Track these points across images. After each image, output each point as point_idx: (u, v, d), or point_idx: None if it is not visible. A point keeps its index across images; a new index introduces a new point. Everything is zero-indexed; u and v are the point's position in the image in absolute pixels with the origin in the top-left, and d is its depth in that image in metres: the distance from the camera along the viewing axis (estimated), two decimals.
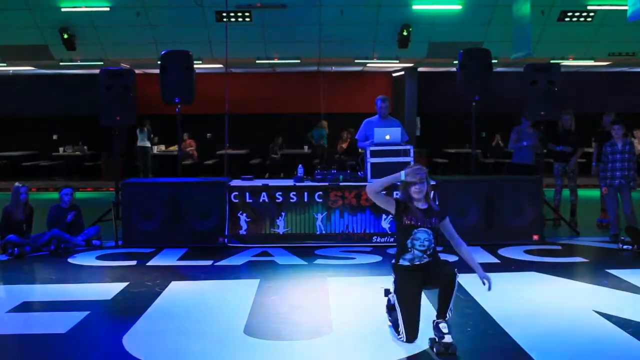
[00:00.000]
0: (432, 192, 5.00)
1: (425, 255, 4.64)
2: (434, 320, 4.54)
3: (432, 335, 4.51)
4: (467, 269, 6.90)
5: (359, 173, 8.59)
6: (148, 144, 16.18)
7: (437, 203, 4.84)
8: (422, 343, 4.58)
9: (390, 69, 18.07)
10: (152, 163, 16.71)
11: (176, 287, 6.25)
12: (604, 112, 10.16)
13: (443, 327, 4.46)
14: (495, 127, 17.37)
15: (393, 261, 4.78)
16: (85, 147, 17.76)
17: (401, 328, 4.59)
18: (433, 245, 4.66)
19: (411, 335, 4.57)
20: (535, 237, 8.23)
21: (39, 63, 15.86)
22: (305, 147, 17.33)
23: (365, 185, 8.14)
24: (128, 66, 14.75)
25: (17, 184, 8.23)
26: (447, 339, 4.41)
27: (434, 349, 4.43)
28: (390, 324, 4.86)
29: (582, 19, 13.56)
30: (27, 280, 6.89)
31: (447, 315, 4.54)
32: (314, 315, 5.32)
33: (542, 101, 9.02)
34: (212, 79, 16.20)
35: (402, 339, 4.58)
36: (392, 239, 8.11)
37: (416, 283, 4.65)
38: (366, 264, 7.24)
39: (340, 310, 5.42)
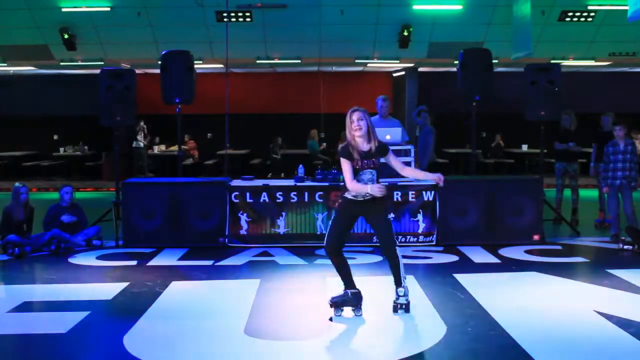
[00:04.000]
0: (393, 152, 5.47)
1: (368, 194, 5.16)
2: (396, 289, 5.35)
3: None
4: (468, 269, 6.94)
5: None
6: (141, 144, 16.05)
7: (381, 142, 5.25)
8: (422, 342, 4.58)
9: (391, 69, 18.06)
10: (153, 163, 16.69)
11: (176, 287, 6.25)
12: (604, 113, 10.17)
13: (399, 291, 5.29)
14: (496, 127, 17.38)
15: (343, 194, 5.35)
16: (85, 147, 17.75)
17: (326, 236, 5.30)
18: (376, 183, 5.22)
19: (330, 244, 5.26)
20: (536, 237, 8.23)
21: (39, 63, 15.85)
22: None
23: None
24: (128, 66, 14.74)
25: (17, 184, 8.24)
26: (401, 300, 5.28)
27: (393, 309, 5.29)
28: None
29: (582, 19, 13.55)
30: (27, 280, 6.90)
31: (401, 282, 5.28)
32: (314, 315, 5.31)
33: (542, 101, 9.02)
34: (213, 79, 16.20)
35: (324, 248, 5.33)
36: None
37: (354, 211, 5.31)
38: (366, 264, 7.24)
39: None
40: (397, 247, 5.27)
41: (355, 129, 5.14)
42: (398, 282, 5.31)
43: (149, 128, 16.31)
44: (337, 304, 5.28)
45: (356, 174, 5.19)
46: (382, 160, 5.30)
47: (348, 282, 5.36)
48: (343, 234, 5.33)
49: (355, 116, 5.17)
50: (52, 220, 8.14)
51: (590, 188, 11.92)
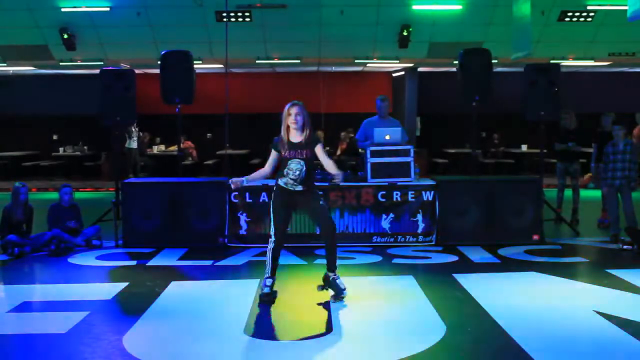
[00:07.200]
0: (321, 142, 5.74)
1: (297, 184, 5.48)
2: (327, 274, 5.61)
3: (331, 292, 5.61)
4: (468, 269, 6.94)
5: (359, 173, 8.59)
6: (131, 146, 15.92)
7: (313, 136, 5.58)
8: (422, 342, 4.59)
9: (390, 69, 18.07)
10: (152, 164, 16.67)
11: (176, 287, 6.25)
12: (604, 113, 10.18)
13: (339, 279, 5.58)
14: (496, 127, 17.39)
15: (275, 181, 5.63)
16: (85, 147, 17.75)
17: (272, 232, 5.54)
18: (304, 175, 5.48)
19: (280, 240, 5.53)
20: (536, 237, 8.23)
21: (39, 63, 15.85)
22: None
23: (365, 186, 8.18)
24: (128, 66, 14.75)
25: (17, 184, 8.23)
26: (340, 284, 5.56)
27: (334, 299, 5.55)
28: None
29: (582, 19, 13.56)
30: (27, 280, 6.90)
31: (336, 268, 5.58)
32: (314, 315, 5.32)
33: (542, 101, 9.02)
34: (212, 79, 16.20)
35: (273, 242, 5.52)
36: (392, 239, 8.12)
37: (288, 202, 5.57)
38: (366, 264, 7.24)
39: (340, 310, 5.42)
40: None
41: (292, 122, 5.52)
42: (333, 268, 5.59)
43: (141, 128, 16.15)
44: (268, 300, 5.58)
45: (285, 163, 5.51)
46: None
47: (274, 272, 5.63)
48: (286, 225, 5.63)
49: (293, 110, 5.53)
50: (56, 219, 8.11)
51: (591, 188, 11.92)
